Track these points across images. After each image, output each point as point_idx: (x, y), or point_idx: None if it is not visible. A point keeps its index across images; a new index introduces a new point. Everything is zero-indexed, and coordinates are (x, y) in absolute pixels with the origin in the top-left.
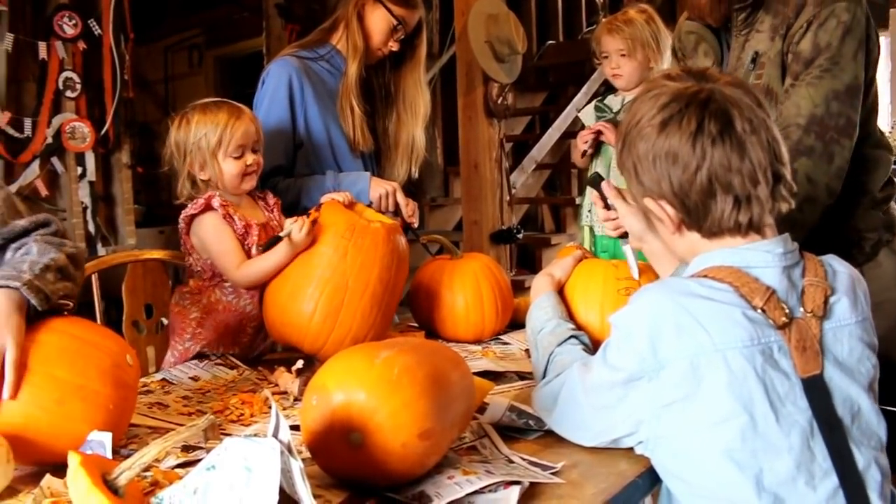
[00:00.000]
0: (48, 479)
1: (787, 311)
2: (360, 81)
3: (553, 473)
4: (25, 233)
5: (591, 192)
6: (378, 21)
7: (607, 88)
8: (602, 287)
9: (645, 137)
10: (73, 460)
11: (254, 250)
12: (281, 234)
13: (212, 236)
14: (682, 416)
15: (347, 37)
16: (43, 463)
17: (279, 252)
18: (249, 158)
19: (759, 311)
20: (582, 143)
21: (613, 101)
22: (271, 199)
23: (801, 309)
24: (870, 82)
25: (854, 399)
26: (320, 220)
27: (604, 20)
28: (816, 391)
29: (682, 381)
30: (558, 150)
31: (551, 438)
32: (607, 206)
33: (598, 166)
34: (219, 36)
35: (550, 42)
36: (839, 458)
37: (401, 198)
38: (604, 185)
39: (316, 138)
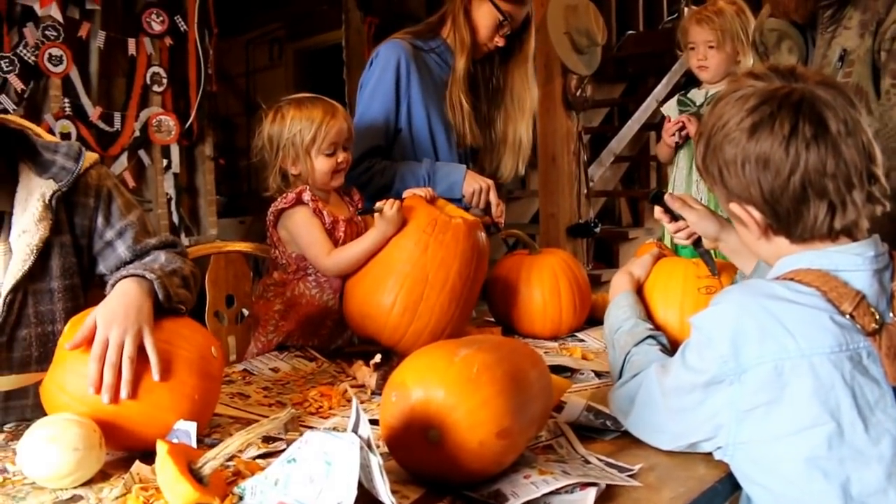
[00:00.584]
0: (137, 466)
1: (877, 316)
2: (468, 76)
3: (630, 476)
4: (154, 249)
5: (656, 210)
6: (484, 16)
7: (688, 80)
8: (682, 286)
9: (733, 142)
10: (162, 449)
11: (340, 244)
12: (374, 206)
13: (302, 228)
14: (765, 421)
15: (455, 31)
16: (132, 449)
17: (369, 237)
18: (341, 156)
19: (848, 316)
20: (669, 136)
21: (697, 95)
22: (356, 196)
23: (892, 314)
24: None
25: None
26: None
27: (692, 9)
28: None
29: (764, 386)
30: (637, 142)
31: (628, 440)
32: (674, 218)
33: (682, 159)
34: (299, 29)
35: (630, 32)
36: None
37: (493, 196)
38: (666, 198)
39: (416, 126)
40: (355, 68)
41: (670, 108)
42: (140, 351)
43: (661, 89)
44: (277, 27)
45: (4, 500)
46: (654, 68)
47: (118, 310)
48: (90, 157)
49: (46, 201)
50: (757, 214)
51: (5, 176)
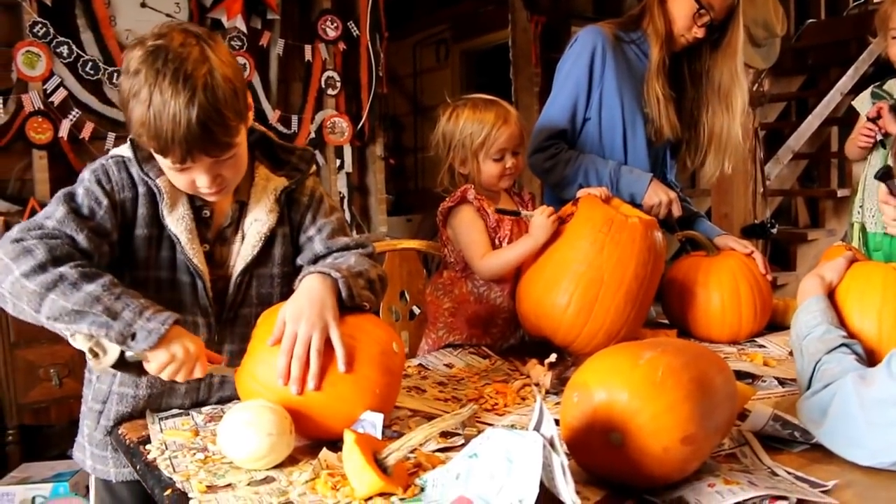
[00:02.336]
0: (325, 453)
1: None
2: (665, 67)
3: (823, 492)
4: (346, 248)
5: (878, 188)
6: (680, 6)
7: (880, 70)
8: (881, 293)
9: None
10: (349, 438)
11: (504, 243)
12: (523, 213)
13: (463, 226)
14: None
15: (651, 22)
16: (317, 437)
17: (521, 244)
18: (509, 162)
19: None
20: (864, 138)
21: (894, 86)
22: (526, 195)
23: None
24: None
25: None
26: (578, 213)
27: None
28: None
29: None
30: (817, 138)
31: (819, 453)
32: None
33: (875, 157)
34: (465, 30)
35: (811, 20)
36: None
37: (675, 209)
38: None
39: (607, 116)
40: (522, 67)
41: (863, 102)
42: (326, 344)
43: (846, 81)
44: (444, 28)
45: (207, 476)
46: (837, 59)
47: (304, 305)
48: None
49: (277, 195)
50: None
51: (247, 172)
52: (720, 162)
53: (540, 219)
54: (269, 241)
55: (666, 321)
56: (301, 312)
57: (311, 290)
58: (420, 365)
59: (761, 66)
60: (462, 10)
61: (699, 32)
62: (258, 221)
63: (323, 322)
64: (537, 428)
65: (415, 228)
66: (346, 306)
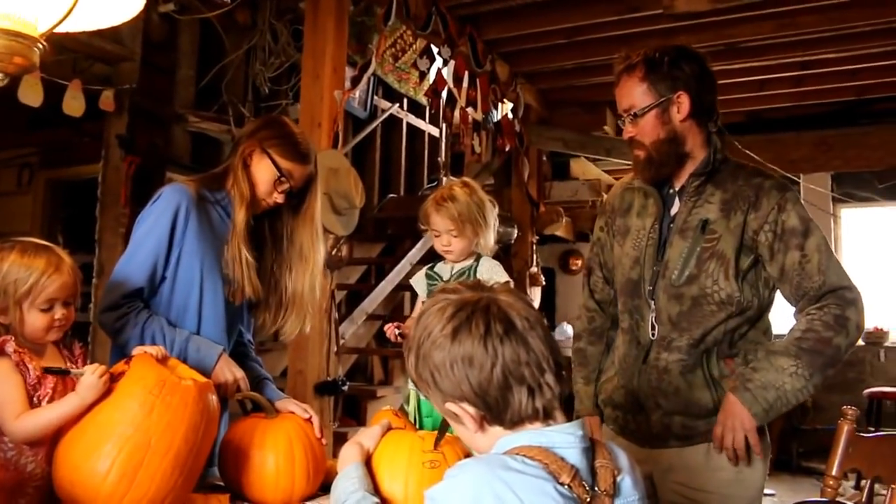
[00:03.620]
0: None
1: (587, 488)
2: (250, 229)
3: None
4: None
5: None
6: (263, 171)
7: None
8: (407, 459)
9: (439, 347)
10: None
11: (44, 403)
12: (73, 371)
13: None
14: None
15: (235, 184)
16: None
17: (66, 403)
18: (59, 312)
19: (567, 486)
20: (391, 334)
21: (443, 270)
22: (77, 350)
23: (597, 488)
24: None
25: None
26: (129, 371)
27: (430, 197)
28: None
29: None
30: (391, 300)
31: None
32: None
33: None
34: (54, 157)
35: (392, 195)
36: None
37: (243, 386)
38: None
39: (184, 276)
40: (110, 205)
41: (418, 282)
42: None
43: (415, 252)
44: (32, 151)
45: None
46: (411, 231)
47: None
48: None
49: None
50: (471, 409)
51: None
52: (301, 320)
53: (90, 378)
54: None
55: (221, 482)
56: None
57: None
58: None
59: (340, 233)
60: (54, 136)
61: (279, 198)
62: None
63: None
64: None
65: None
66: None
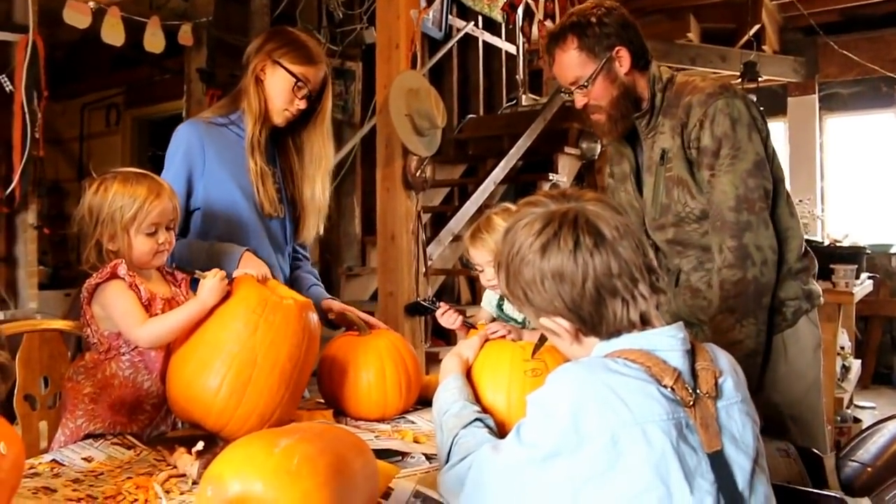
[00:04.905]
0: None
1: (690, 390)
2: (264, 143)
3: None
4: None
5: None
6: (279, 82)
7: (526, 165)
8: (509, 369)
9: (529, 264)
10: None
11: None
12: (197, 273)
13: (115, 299)
14: (600, 491)
15: (247, 101)
16: None
17: (188, 306)
18: (162, 237)
19: (670, 389)
20: (449, 321)
21: (514, 311)
22: (179, 276)
23: (698, 390)
24: (769, 158)
25: (749, 473)
26: (232, 293)
27: (470, 228)
28: (720, 466)
29: (602, 456)
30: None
31: None
32: None
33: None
34: (139, 96)
35: (471, 116)
36: None
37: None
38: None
39: (218, 204)
40: None
41: (487, 304)
42: None
43: (498, 171)
44: (116, 92)
45: None
46: (492, 151)
47: None
48: None
49: None
50: (566, 323)
51: None
52: (316, 223)
53: (212, 280)
54: None
55: (322, 401)
56: None
57: None
58: (54, 461)
59: (424, 154)
60: (137, 76)
61: (301, 104)
62: None
63: None
64: None
65: (72, 303)
66: None
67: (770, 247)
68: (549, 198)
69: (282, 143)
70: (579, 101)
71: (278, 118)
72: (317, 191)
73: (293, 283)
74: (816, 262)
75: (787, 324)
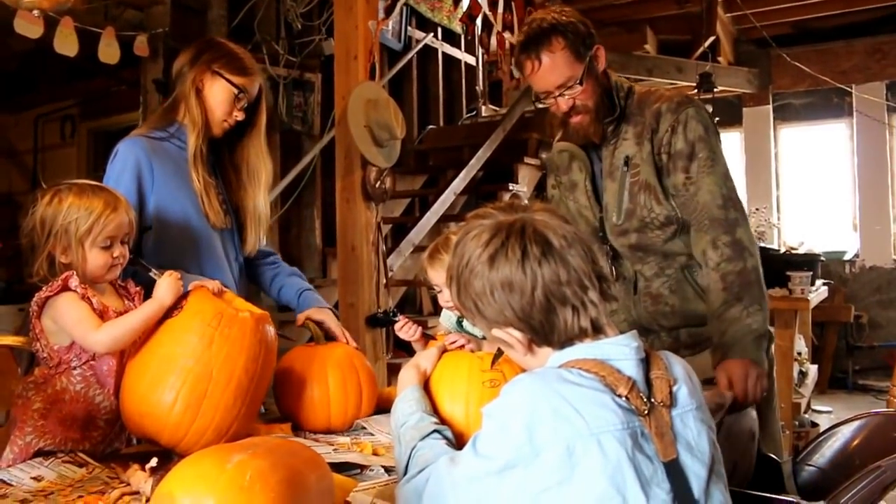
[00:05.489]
0: None
1: (645, 399)
2: (205, 155)
3: None
4: None
5: None
6: (219, 92)
7: (485, 175)
8: (467, 379)
9: (478, 275)
10: None
11: None
12: (152, 272)
13: (67, 309)
14: (557, 501)
15: (187, 112)
16: None
17: (146, 307)
18: (117, 251)
19: (624, 398)
20: (408, 333)
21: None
22: (132, 289)
23: (653, 399)
24: None
25: (705, 480)
26: (187, 306)
27: (428, 248)
28: (675, 474)
29: (557, 467)
30: (437, 232)
31: None
32: None
33: None
34: (94, 108)
35: (431, 126)
36: None
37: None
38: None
39: (170, 219)
40: None
41: (445, 320)
42: None
43: (458, 182)
44: (71, 104)
45: None
46: (453, 161)
47: None
48: None
49: None
50: (517, 333)
51: None
52: (257, 236)
53: (167, 280)
54: None
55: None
56: None
57: None
58: (1, 481)
59: (383, 165)
60: (92, 87)
61: (239, 115)
62: None
63: None
64: None
65: (25, 319)
66: None
67: (752, 241)
68: (498, 210)
69: (219, 155)
70: (564, 103)
71: (217, 129)
72: (259, 203)
73: (280, 289)
74: None
75: None
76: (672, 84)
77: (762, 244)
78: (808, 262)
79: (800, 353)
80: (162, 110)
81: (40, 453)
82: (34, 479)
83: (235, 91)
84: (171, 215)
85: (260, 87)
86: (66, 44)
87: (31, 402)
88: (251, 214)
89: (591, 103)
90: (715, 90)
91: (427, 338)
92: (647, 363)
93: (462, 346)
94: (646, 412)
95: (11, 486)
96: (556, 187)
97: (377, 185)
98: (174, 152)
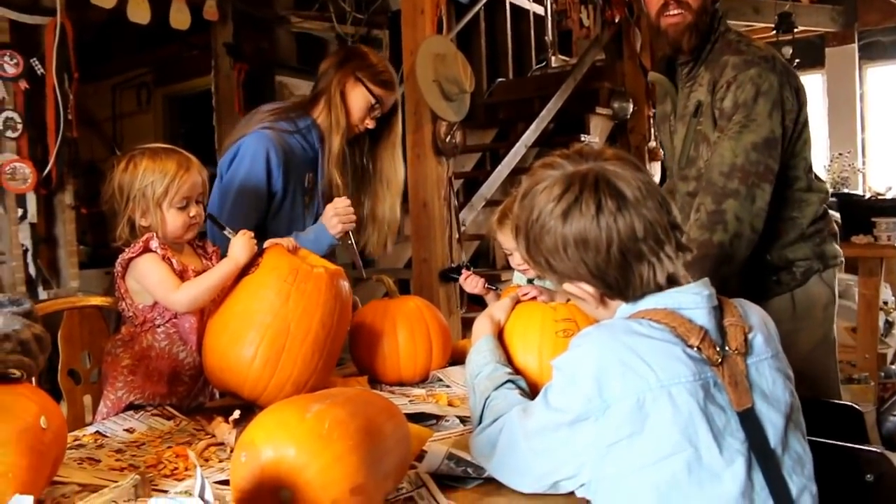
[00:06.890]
0: None
1: (718, 349)
2: (343, 156)
3: None
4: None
5: None
6: (358, 99)
7: (557, 126)
8: (540, 330)
9: (550, 230)
10: None
11: None
12: (226, 230)
13: (149, 269)
14: (628, 453)
15: (330, 112)
16: None
17: (222, 267)
18: (193, 210)
19: (696, 349)
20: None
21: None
22: (210, 248)
23: (727, 347)
24: (795, 135)
25: (782, 429)
26: (263, 263)
27: (497, 211)
28: (750, 423)
29: (628, 420)
30: (508, 186)
31: (491, 486)
32: None
33: None
34: (167, 74)
35: (500, 79)
36: (775, 487)
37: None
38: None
39: (284, 213)
40: (225, 115)
41: (520, 280)
42: None
43: (529, 134)
44: (145, 71)
45: None
46: (523, 114)
47: None
48: None
49: None
50: (590, 288)
51: None
52: (383, 240)
53: (240, 239)
54: None
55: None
56: None
57: None
58: (97, 432)
59: (453, 119)
60: (164, 53)
61: (370, 123)
62: None
63: None
64: (201, 494)
65: (112, 281)
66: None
67: (750, 223)
68: (566, 158)
69: (349, 159)
70: None
71: (348, 133)
72: (386, 209)
73: None
74: (836, 225)
75: (797, 283)
76: (749, 26)
77: (845, 190)
78: (895, 208)
79: (886, 303)
80: (297, 103)
81: (131, 407)
82: (127, 430)
83: (373, 101)
84: (285, 206)
85: (396, 102)
86: (139, 11)
87: (120, 359)
88: (378, 219)
89: (694, 4)
90: (795, 30)
91: (490, 289)
92: (720, 311)
93: (534, 298)
94: (719, 361)
95: (107, 437)
96: (655, 116)
97: (447, 140)
98: (296, 148)
